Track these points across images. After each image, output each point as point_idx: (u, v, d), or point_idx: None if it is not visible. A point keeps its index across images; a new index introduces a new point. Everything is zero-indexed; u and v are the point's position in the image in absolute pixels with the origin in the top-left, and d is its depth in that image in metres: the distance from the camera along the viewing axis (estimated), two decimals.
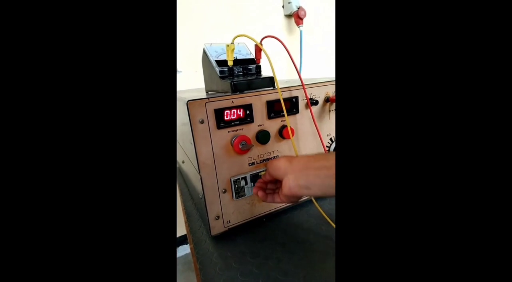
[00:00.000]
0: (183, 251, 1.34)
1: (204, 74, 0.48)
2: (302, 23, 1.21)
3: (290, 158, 0.34)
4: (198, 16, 1.09)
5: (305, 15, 1.20)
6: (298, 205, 0.48)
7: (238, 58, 0.44)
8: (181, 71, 1.12)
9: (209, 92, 0.47)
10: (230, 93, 0.38)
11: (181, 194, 0.59)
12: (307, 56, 1.28)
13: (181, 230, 1.31)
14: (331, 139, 0.49)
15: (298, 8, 1.19)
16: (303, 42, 1.24)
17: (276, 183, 0.39)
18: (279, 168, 0.34)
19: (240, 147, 0.37)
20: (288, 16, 1.25)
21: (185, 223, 0.49)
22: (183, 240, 1.33)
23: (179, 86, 1.13)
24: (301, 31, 1.23)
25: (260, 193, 0.38)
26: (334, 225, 0.41)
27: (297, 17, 1.20)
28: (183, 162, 0.59)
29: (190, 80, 1.13)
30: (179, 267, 1.26)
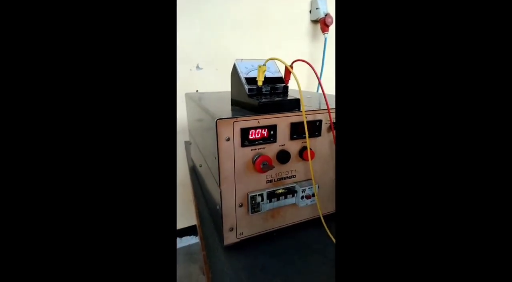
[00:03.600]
0: (186, 242, 1.38)
1: (231, 86, 0.49)
2: (327, 31, 1.19)
3: None
4: (220, 16, 1.10)
5: (331, 23, 1.18)
6: (309, 223, 0.49)
7: (266, 76, 0.44)
8: (202, 68, 1.14)
9: (234, 105, 0.48)
10: (257, 114, 0.39)
11: (195, 196, 0.62)
12: (329, 64, 1.27)
13: (185, 221, 1.35)
14: None
15: (326, 15, 1.18)
16: (327, 49, 1.23)
17: None
18: None
19: (261, 166, 0.39)
20: (315, 21, 1.24)
21: (199, 227, 0.51)
22: (186, 231, 1.37)
23: (200, 84, 1.15)
24: (325, 39, 1.21)
25: None
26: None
27: (323, 23, 1.19)
28: (200, 166, 0.61)
29: (210, 77, 1.15)
30: (179, 258, 1.30)
